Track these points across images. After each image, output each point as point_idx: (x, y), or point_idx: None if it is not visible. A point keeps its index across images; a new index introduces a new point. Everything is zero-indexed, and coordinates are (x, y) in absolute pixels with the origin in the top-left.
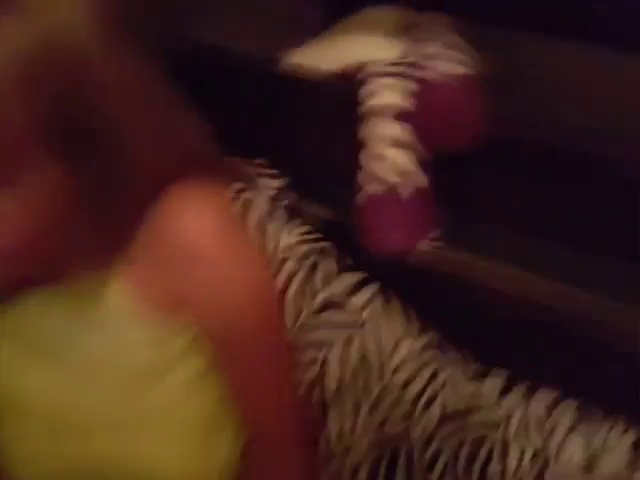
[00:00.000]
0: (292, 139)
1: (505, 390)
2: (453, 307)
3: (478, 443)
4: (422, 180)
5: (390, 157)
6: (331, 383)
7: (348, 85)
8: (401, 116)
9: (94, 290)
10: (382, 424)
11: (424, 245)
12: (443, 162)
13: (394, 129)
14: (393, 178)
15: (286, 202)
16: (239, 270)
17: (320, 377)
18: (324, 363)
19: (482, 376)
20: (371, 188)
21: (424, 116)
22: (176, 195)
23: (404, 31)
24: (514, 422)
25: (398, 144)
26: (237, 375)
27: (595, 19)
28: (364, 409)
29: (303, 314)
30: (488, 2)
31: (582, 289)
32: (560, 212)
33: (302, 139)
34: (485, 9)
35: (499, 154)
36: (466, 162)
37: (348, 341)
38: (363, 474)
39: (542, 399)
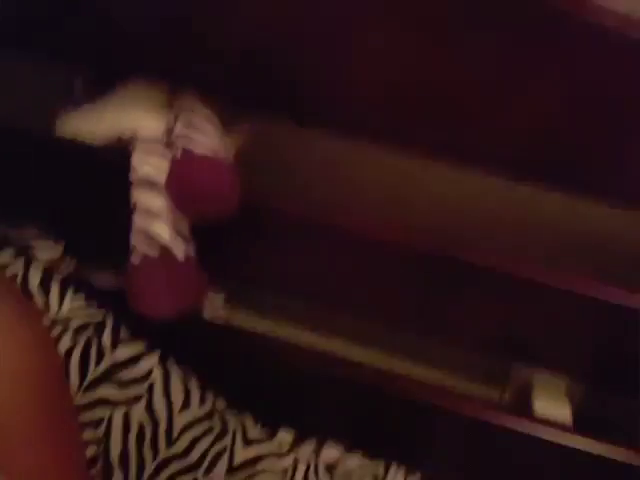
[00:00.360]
0: (71, 207)
1: (296, 443)
2: (236, 370)
3: None
4: (185, 248)
5: (150, 228)
6: (113, 456)
7: (121, 152)
8: (160, 189)
9: None
10: None
11: (206, 311)
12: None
13: (153, 199)
14: (157, 246)
15: (64, 272)
16: (9, 334)
17: (101, 454)
18: (104, 440)
19: (271, 435)
20: (139, 254)
21: (183, 186)
22: None
23: (167, 105)
24: (302, 467)
25: (159, 214)
26: (10, 452)
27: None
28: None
29: (79, 392)
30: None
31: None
32: (314, 276)
33: (80, 206)
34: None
35: (255, 223)
36: (227, 231)
37: (126, 415)
38: None
39: (332, 448)
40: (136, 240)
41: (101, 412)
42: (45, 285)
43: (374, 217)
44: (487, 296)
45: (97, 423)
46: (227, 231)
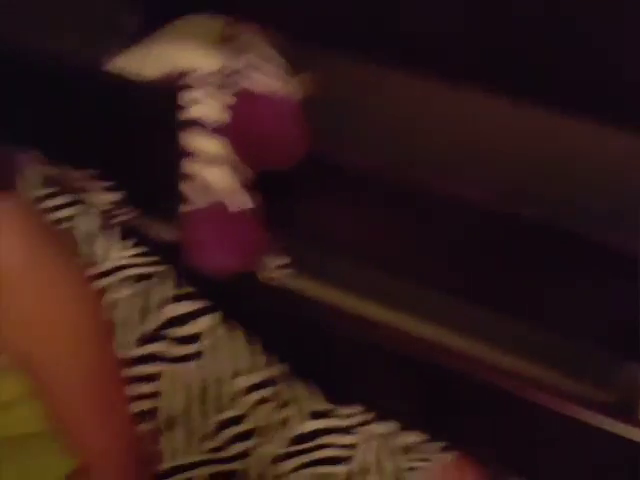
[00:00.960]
0: (127, 151)
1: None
2: (301, 337)
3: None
4: (244, 200)
5: (206, 174)
6: (163, 414)
7: (170, 93)
8: (218, 130)
9: None
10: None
11: (268, 272)
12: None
13: (210, 143)
14: (211, 196)
15: (121, 218)
16: (48, 288)
17: (152, 410)
18: (154, 396)
19: (336, 409)
20: (192, 204)
21: (243, 131)
22: None
23: (224, 41)
24: (366, 444)
25: (215, 160)
26: (58, 397)
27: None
28: (196, 440)
29: (132, 343)
30: (310, 19)
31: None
32: (387, 240)
33: (136, 152)
34: (307, 26)
35: (320, 176)
36: (291, 183)
37: (187, 372)
38: None
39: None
40: (187, 188)
41: (157, 367)
42: (102, 232)
43: (467, 178)
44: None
45: (153, 377)
46: (291, 186)
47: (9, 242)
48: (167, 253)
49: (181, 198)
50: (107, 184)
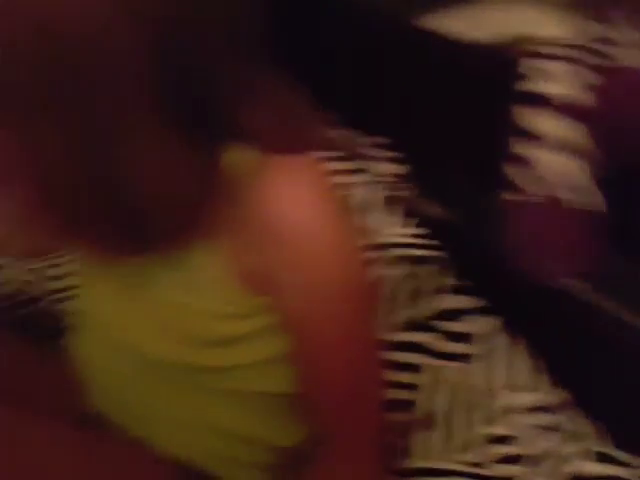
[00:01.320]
0: (424, 119)
1: None
2: (592, 362)
3: None
4: (594, 200)
5: (553, 163)
6: (421, 410)
7: (503, 61)
8: (574, 112)
9: (185, 257)
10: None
11: (573, 282)
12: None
13: (563, 127)
14: (550, 187)
15: (403, 193)
16: (330, 254)
17: (406, 401)
18: (411, 387)
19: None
20: (521, 193)
21: (605, 116)
22: (271, 170)
23: (578, 6)
24: None
25: (567, 147)
26: (314, 363)
27: None
28: (455, 447)
29: (396, 325)
30: None
31: None
32: None
33: (436, 121)
34: None
35: None
36: None
37: (449, 371)
38: None
39: None
40: (517, 173)
41: (420, 358)
42: (387, 205)
43: None
44: None
45: (414, 367)
46: None
47: (292, 206)
48: (450, 238)
49: (504, 183)
50: (394, 155)
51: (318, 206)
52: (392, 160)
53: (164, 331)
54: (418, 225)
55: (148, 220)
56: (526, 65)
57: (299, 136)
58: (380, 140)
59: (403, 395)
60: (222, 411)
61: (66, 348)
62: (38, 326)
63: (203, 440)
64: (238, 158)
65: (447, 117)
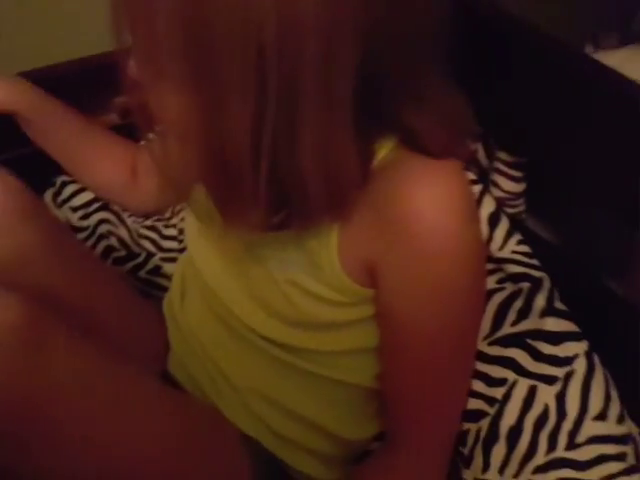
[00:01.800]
0: (564, 146)
1: None
2: None
3: None
4: None
5: None
6: (503, 425)
7: None
8: None
9: (307, 235)
10: None
11: None
12: None
13: None
14: None
15: (513, 210)
16: (456, 257)
17: (477, 411)
18: (497, 404)
19: None
20: None
21: None
22: (416, 167)
23: None
24: None
25: None
26: (409, 359)
27: None
28: (529, 468)
29: (485, 340)
30: None
31: None
32: None
33: (578, 149)
34: None
35: None
36: None
37: (533, 390)
38: None
39: None
40: None
41: (503, 372)
42: (495, 218)
43: None
44: None
45: (493, 380)
46: None
47: (438, 196)
48: (550, 260)
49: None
50: (519, 174)
51: (454, 209)
52: (514, 179)
53: (269, 309)
54: (520, 242)
55: (304, 198)
56: None
57: (454, 143)
58: (505, 156)
59: (478, 405)
60: (304, 396)
61: (164, 307)
62: (143, 281)
63: (276, 420)
64: (385, 149)
65: (593, 150)
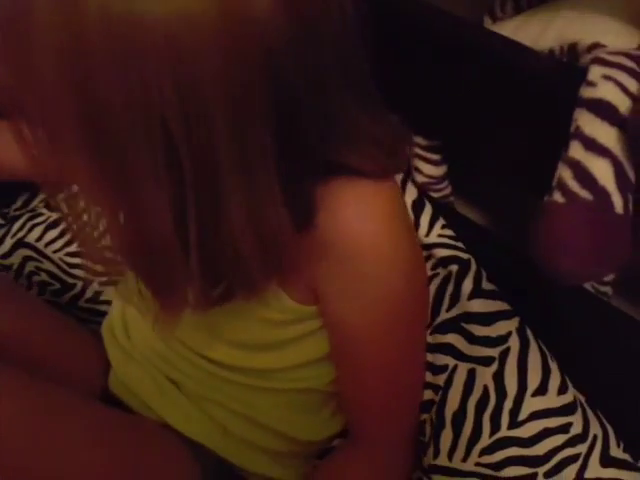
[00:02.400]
0: (474, 123)
1: None
2: (610, 364)
3: None
4: (618, 202)
5: (585, 164)
6: (447, 412)
7: (570, 66)
8: (616, 117)
9: None
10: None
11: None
12: None
13: (604, 132)
14: (581, 191)
15: (439, 195)
16: (392, 269)
17: (429, 402)
18: (442, 390)
19: (635, 463)
20: (555, 196)
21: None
22: (341, 185)
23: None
24: None
25: (603, 151)
26: (359, 365)
27: None
28: (476, 451)
29: (428, 330)
30: None
31: None
32: None
33: (483, 125)
34: None
35: None
36: None
37: (472, 373)
38: None
39: None
40: (565, 173)
41: (444, 359)
42: (418, 204)
43: None
44: None
45: (437, 368)
46: None
47: (367, 212)
48: (473, 239)
49: (554, 186)
50: (437, 157)
51: (385, 222)
52: (433, 162)
53: (217, 334)
54: (444, 226)
55: (242, 266)
56: (589, 71)
57: (391, 165)
58: (422, 141)
59: (429, 395)
60: (260, 404)
61: (102, 330)
62: (84, 310)
63: (232, 424)
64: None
65: (497, 126)
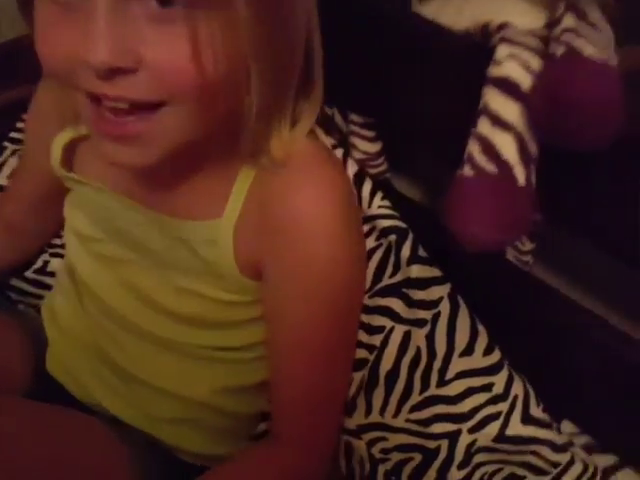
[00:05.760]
0: (401, 101)
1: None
2: (531, 329)
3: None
4: (520, 175)
5: (491, 139)
6: (381, 370)
7: (479, 46)
8: (519, 94)
9: (198, 247)
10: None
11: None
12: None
13: (508, 108)
14: (487, 165)
15: (376, 170)
16: (329, 248)
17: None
18: (377, 350)
19: (552, 422)
20: (467, 167)
21: (551, 99)
22: (298, 162)
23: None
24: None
25: (506, 125)
26: (288, 356)
27: None
28: (402, 406)
29: (367, 294)
30: None
31: None
32: None
33: (414, 103)
34: None
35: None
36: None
37: (407, 335)
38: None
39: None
40: (473, 148)
41: (382, 321)
42: (359, 179)
43: None
44: None
45: (374, 329)
46: (582, 164)
47: (312, 204)
48: (408, 211)
49: (465, 158)
50: (372, 134)
51: (339, 205)
52: (369, 139)
53: (157, 307)
54: (383, 198)
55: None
56: (499, 49)
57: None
58: (360, 119)
59: (361, 354)
60: (196, 379)
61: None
62: (30, 282)
63: (164, 406)
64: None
65: (426, 103)
